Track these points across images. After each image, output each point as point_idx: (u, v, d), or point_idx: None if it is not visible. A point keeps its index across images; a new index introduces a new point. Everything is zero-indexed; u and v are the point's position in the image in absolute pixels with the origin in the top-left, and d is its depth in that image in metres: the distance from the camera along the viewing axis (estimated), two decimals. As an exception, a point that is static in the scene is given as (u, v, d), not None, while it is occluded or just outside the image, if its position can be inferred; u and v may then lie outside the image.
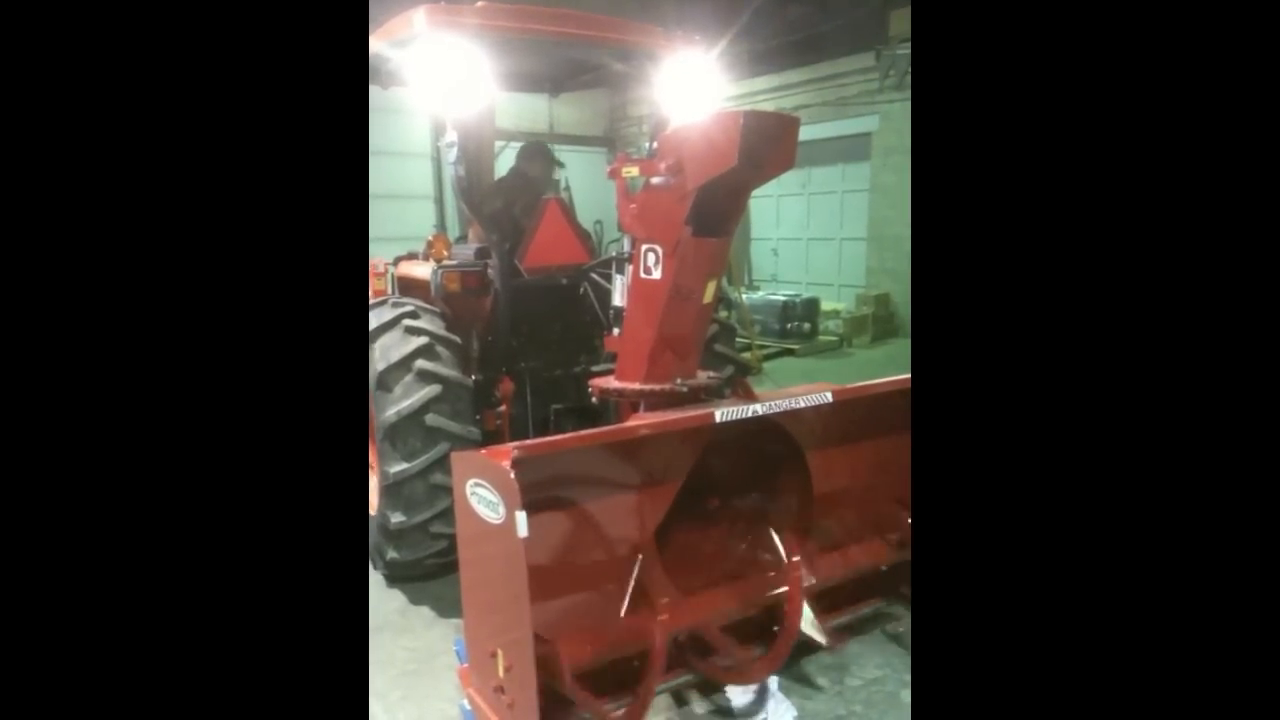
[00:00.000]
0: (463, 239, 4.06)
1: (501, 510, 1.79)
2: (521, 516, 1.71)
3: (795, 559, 2.34)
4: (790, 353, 8.85)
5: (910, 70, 9.22)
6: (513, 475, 1.72)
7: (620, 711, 2.15)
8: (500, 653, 1.96)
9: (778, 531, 2.60)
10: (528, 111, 11.38)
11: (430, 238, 3.49)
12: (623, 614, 2.19)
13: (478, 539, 1.99)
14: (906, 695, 2.49)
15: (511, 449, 1.82)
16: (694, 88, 3.54)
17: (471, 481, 1.92)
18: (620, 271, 2.81)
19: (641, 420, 2.34)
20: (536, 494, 1.96)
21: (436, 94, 3.09)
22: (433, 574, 3.34)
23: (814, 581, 2.56)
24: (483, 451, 1.91)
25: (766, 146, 2.24)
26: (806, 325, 9.26)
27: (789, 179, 11.12)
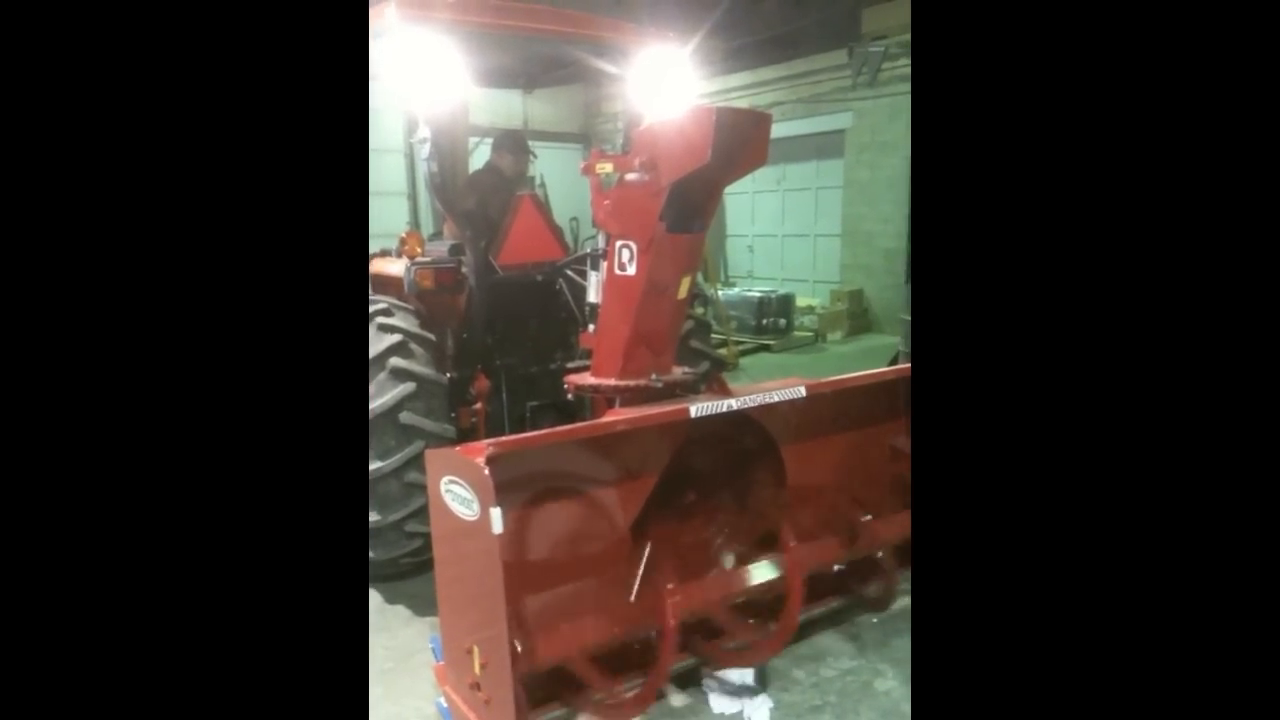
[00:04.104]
0: (437, 235, 4.04)
1: (476, 507, 1.78)
2: (496, 513, 1.71)
3: (794, 544, 2.38)
4: (766, 348, 8.91)
5: (880, 69, 9.31)
6: (487, 472, 1.72)
7: (632, 693, 2.17)
8: (476, 649, 1.96)
9: (756, 521, 2.64)
10: (502, 107, 11.31)
11: (403, 234, 3.46)
12: (633, 598, 2.20)
13: (452, 536, 1.98)
14: (880, 684, 2.53)
15: (486, 446, 1.82)
16: (667, 84, 3.55)
17: (446, 479, 1.91)
18: (595, 268, 2.81)
19: (617, 416, 2.34)
20: (511, 490, 1.96)
21: (409, 89, 3.06)
22: (408, 572, 3.32)
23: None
24: (458, 449, 1.91)
25: (740, 143, 2.26)
26: (782, 321, 9.32)
27: (764, 175, 11.18)
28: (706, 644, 2.51)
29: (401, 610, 3.15)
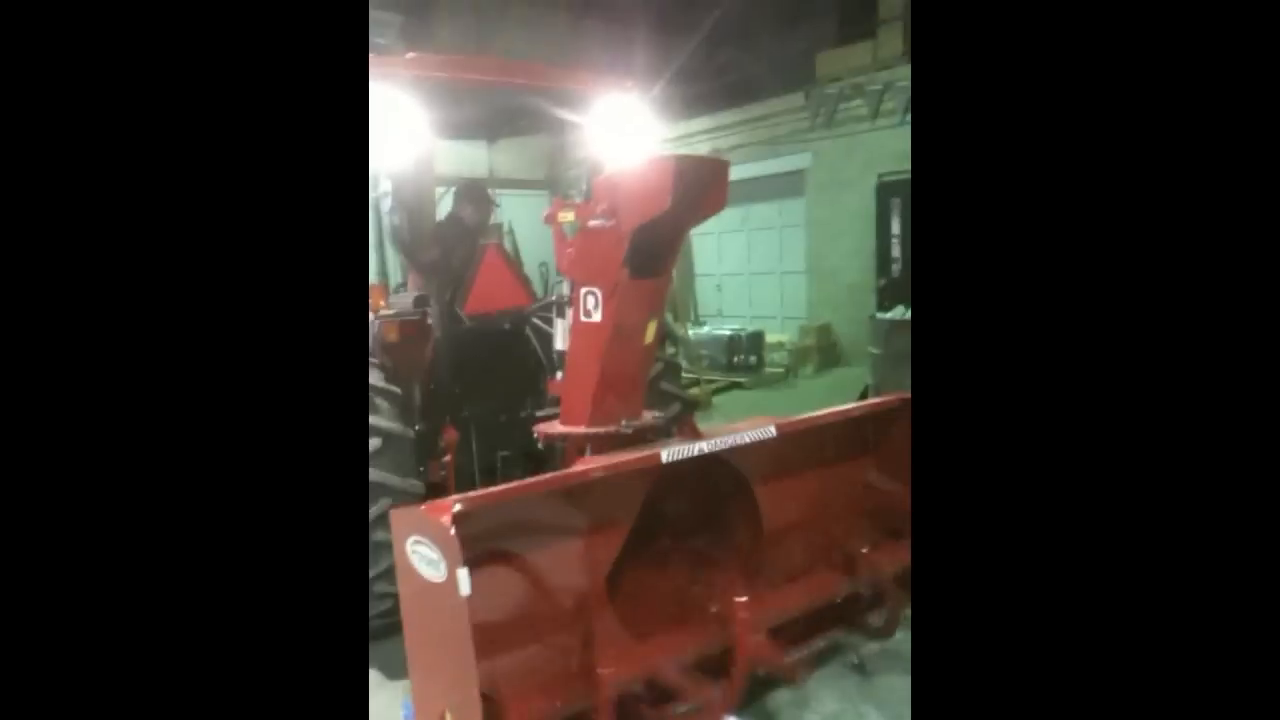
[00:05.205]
0: (403, 286, 4.01)
1: (443, 568, 1.73)
2: (464, 574, 1.66)
3: (742, 598, 2.32)
4: (738, 385, 8.93)
5: (836, 110, 9.58)
6: (453, 532, 1.67)
7: None
8: (448, 715, 1.88)
9: (728, 567, 2.59)
10: (467, 157, 11.41)
11: (366, 288, 3.43)
12: (574, 667, 2.13)
13: (420, 598, 1.92)
14: (866, 728, 2.48)
15: (452, 503, 1.78)
16: (628, 131, 3.60)
17: (412, 539, 1.86)
18: (561, 315, 2.80)
19: (587, 464, 2.31)
20: (480, 547, 1.91)
21: (372, 143, 3.06)
22: (379, 635, 3.20)
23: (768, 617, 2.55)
24: (423, 507, 1.86)
25: (699, 189, 2.29)
26: (753, 358, 9.38)
27: (729, 216, 11.34)
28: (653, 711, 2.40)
29: (373, 674, 3.04)
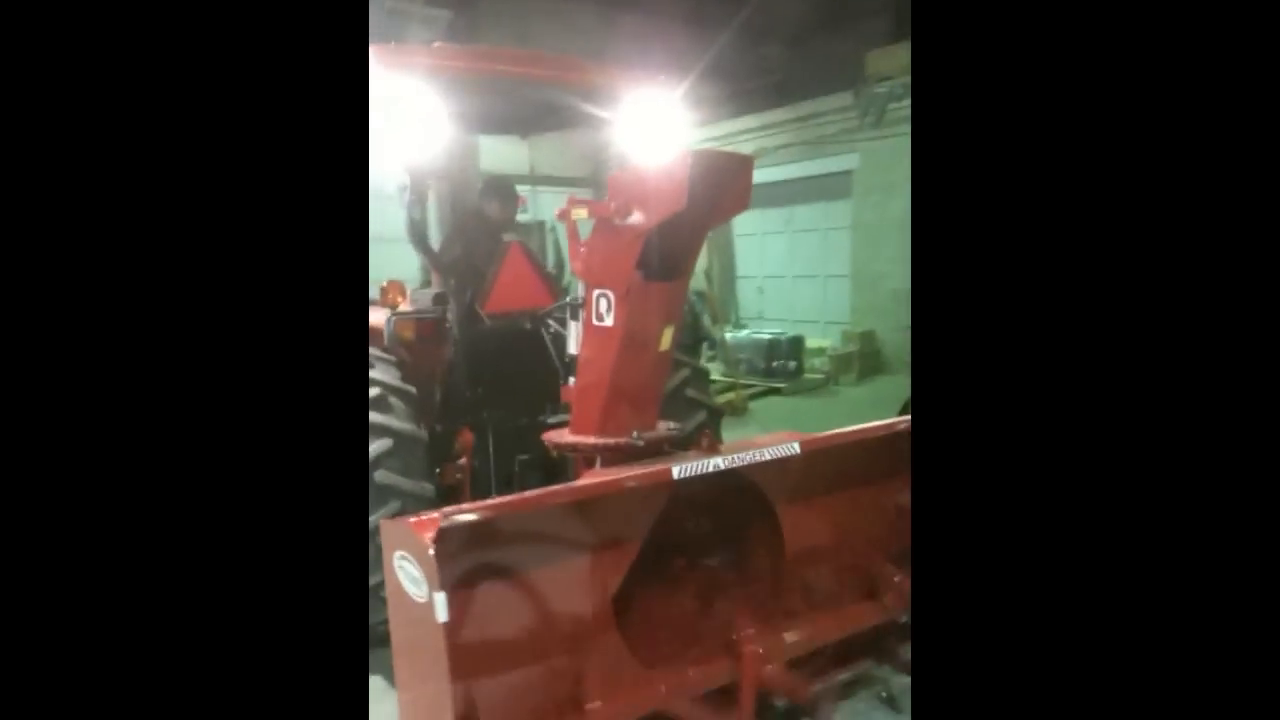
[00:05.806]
0: (429, 284, 3.95)
1: (425, 588, 1.62)
2: (441, 599, 1.54)
3: (749, 632, 2.17)
4: (776, 392, 8.71)
5: (886, 110, 9.29)
6: (432, 552, 1.56)
7: None
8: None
9: (745, 593, 2.44)
10: (509, 154, 11.41)
11: (384, 284, 3.37)
12: (574, 697, 2.00)
13: (405, 614, 1.82)
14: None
15: (439, 517, 1.67)
16: (658, 127, 3.46)
17: (399, 554, 1.76)
18: (575, 318, 2.68)
19: (594, 478, 2.18)
20: (470, 564, 1.80)
21: (391, 136, 2.99)
22: (384, 641, 3.12)
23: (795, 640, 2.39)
24: (410, 521, 1.75)
25: (719, 187, 2.13)
26: (792, 363, 9.14)
27: (772, 217, 11.14)
28: None
29: (378, 682, 2.94)
